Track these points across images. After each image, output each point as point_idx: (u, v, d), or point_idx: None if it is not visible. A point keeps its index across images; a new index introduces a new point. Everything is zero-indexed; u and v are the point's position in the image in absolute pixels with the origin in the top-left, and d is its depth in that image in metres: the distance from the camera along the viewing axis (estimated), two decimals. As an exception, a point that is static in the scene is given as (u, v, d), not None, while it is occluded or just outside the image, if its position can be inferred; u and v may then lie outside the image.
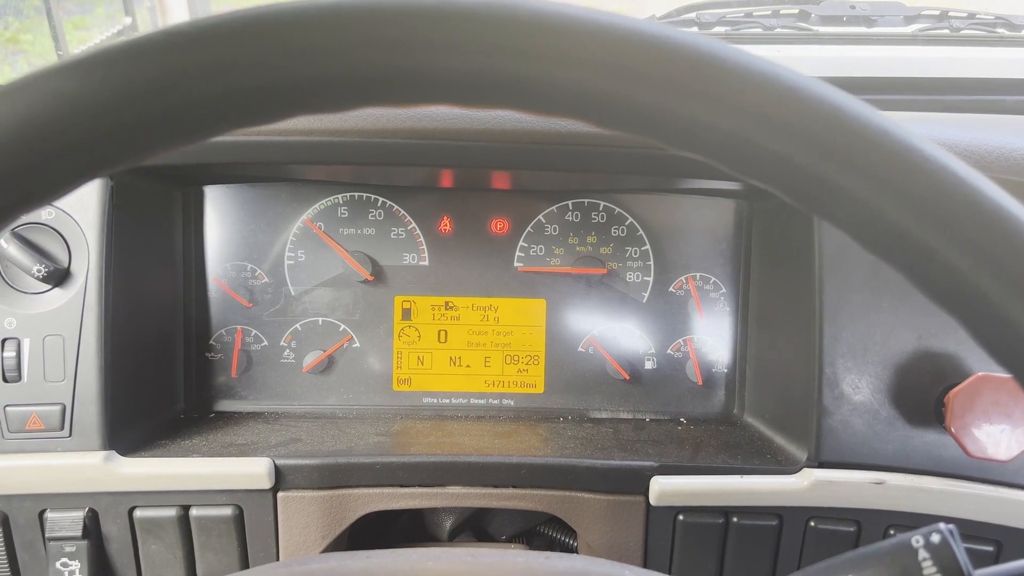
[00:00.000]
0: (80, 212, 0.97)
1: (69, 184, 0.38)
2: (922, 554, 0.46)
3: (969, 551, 0.99)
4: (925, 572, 0.46)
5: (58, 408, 0.95)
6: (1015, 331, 0.36)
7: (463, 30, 0.36)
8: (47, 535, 0.97)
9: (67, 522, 0.97)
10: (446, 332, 1.22)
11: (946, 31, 1.60)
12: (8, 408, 0.95)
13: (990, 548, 1.00)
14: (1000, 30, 1.61)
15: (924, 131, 1.00)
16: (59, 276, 0.96)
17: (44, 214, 0.97)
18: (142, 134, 0.37)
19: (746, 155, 0.37)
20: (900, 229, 0.36)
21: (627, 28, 0.36)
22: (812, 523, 1.01)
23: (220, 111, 0.37)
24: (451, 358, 1.22)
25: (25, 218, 0.97)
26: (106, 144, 0.36)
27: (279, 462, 0.98)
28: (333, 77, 0.37)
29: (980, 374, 0.90)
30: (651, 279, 1.22)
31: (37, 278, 0.95)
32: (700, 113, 0.36)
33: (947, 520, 0.48)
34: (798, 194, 0.38)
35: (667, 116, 0.37)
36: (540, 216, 1.21)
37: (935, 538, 0.46)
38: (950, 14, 1.63)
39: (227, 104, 0.37)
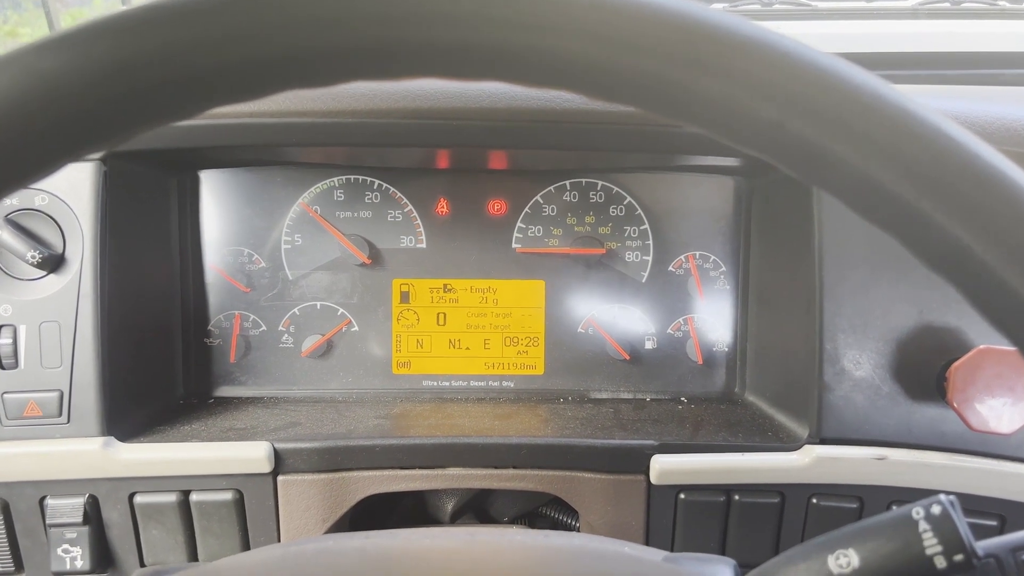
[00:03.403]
0: (73, 198, 0.96)
1: (49, 165, 0.37)
2: (923, 525, 0.46)
3: (973, 526, 0.99)
4: (926, 543, 0.45)
5: (56, 395, 0.95)
6: (1016, 299, 0.35)
7: (453, 0, 0.35)
8: (48, 522, 0.97)
9: (68, 508, 0.97)
10: (445, 315, 1.22)
11: (947, 4, 1.59)
12: (6, 395, 0.95)
13: (994, 523, 1.00)
14: (1001, 2, 1.60)
15: (923, 101, 1.00)
16: (54, 262, 0.96)
17: (37, 200, 0.96)
18: (124, 111, 0.36)
19: (739, 123, 0.37)
20: (895, 195, 0.36)
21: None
22: (814, 500, 1.00)
23: (204, 86, 0.36)
24: (450, 341, 1.22)
25: (18, 204, 0.96)
26: (86, 123, 0.36)
27: (278, 446, 0.98)
28: (318, 50, 0.36)
29: (982, 347, 0.89)
30: (650, 258, 1.21)
31: (32, 264, 0.94)
32: (690, 80, 0.35)
33: (950, 495, 0.48)
34: (792, 162, 0.38)
35: (658, 84, 0.36)
36: (538, 197, 1.21)
37: (935, 509, 0.46)
38: (951, -14, 1.61)
39: (211, 79, 0.36)
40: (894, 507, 0.98)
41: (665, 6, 0.36)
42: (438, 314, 1.22)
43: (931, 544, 0.45)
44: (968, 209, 0.35)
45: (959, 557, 0.45)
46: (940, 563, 0.45)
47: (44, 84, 0.34)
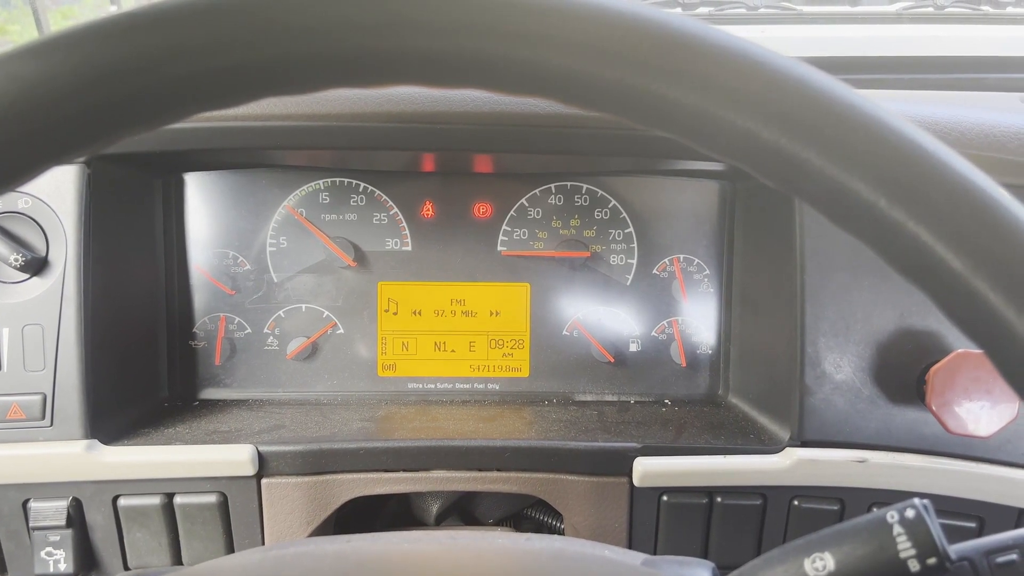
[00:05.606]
0: (57, 200, 0.96)
1: (32, 169, 0.37)
2: (897, 529, 0.46)
3: (952, 527, 1.00)
4: (900, 547, 0.46)
5: (39, 398, 0.95)
6: (985, 306, 0.36)
7: (430, 8, 0.36)
8: (31, 525, 0.97)
9: (51, 511, 0.97)
10: (430, 317, 1.22)
11: (930, 9, 1.60)
12: (-12, 398, 0.95)
13: (972, 524, 1.01)
14: (984, 7, 1.62)
15: (904, 109, 1.00)
16: (37, 265, 0.95)
17: (20, 203, 0.96)
18: (105, 118, 0.36)
19: (713, 131, 0.37)
20: (869, 203, 0.36)
21: (589, 4, 0.35)
22: (796, 502, 1.01)
23: (186, 93, 0.37)
24: (436, 343, 1.22)
25: (1, 207, 0.96)
26: (68, 128, 0.36)
27: (262, 448, 0.98)
28: (297, 58, 0.36)
29: (960, 351, 0.90)
30: (635, 261, 1.22)
31: (14, 267, 0.94)
32: (664, 89, 0.36)
33: (929, 497, 0.48)
34: (767, 170, 0.38)
35: (632, 93, 0.36)
36: (523, 200, 1.21)
37: (909, 513, 0.47)
38: (934, -8, 1.63)
39: (193, 86, 0.36)
40: (875, 509, 0.99)
41: (638, 15, 0.36)
42: (423, 316, 1.22)
43: (905, 547, 0.46)
44: (939, 218, 0.35)
45: (932, 560, 0.45)
46: (914, 566, 0.45)
47: (27, 90, 0.34)
